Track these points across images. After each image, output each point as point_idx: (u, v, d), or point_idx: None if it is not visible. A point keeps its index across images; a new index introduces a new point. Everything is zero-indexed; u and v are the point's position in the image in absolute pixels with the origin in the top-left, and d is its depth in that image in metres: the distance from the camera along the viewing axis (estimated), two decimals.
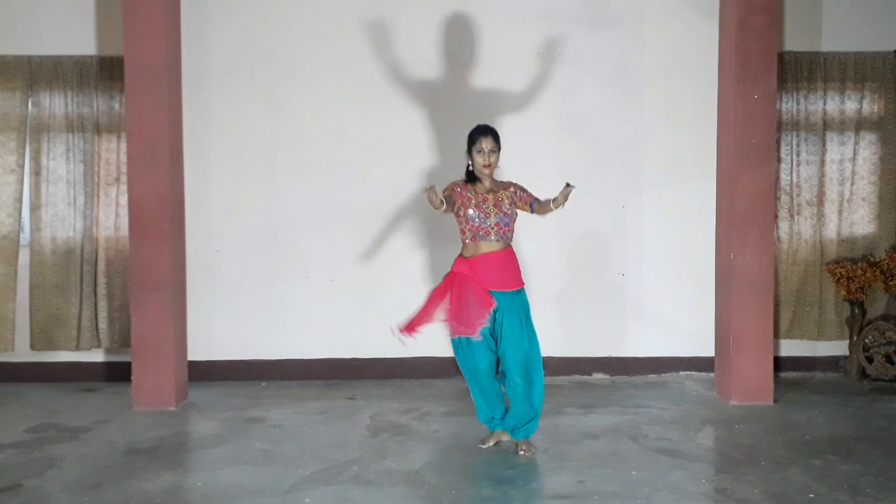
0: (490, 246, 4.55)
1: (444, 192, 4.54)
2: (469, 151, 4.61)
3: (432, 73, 6.28)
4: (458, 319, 4.48)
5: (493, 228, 4.54)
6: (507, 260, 4.58)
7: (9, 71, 6.18)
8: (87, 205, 6.22)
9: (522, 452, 4.57)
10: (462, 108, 6.23)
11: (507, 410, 4.74)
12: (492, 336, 4.58)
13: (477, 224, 4.53)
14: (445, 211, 4.41)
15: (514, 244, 6.23)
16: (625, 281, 6.41)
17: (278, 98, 6.28)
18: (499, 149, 4.60)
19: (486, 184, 4.61)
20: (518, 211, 4.65)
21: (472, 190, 4.59)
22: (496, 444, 4.74)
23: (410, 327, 4.60)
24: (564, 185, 4.45)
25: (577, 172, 6.35)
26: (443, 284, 4.62)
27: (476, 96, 6.26)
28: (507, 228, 4.57)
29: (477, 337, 4.47)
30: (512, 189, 4.62)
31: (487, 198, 4.56)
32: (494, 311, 4.51)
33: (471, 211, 4.53)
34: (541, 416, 4.70)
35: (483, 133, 4.57)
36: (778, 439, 4.87)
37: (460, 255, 4.65)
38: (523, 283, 4.66)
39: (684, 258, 6.39)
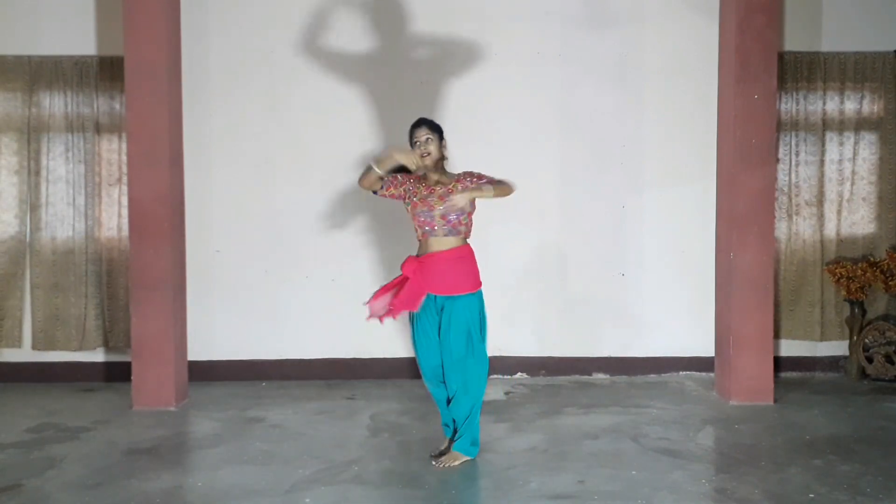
0: (440, 243, 4.35)
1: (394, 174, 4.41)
2: (410, 142, 4.45)
3: (432, 72, 6.28)
4: (397, 300, 4.36)
5: (438, 222, 4.32)
6: (459, 260, 4.36)
7: (9, 71, 6.18)
8: (89, 205, 6.23)
9: (436, 463, 4.42)
10: (462, 107, 6.24)
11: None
12: (438, 341, 4.42)
13: (423, 219, 4.35)
14: (373, 178, 4.33)
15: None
16: (625, 281, 6.41)
17: (278, 98, 6.28)
18: (437, 138, 4.40)
19: (434, 176, 4.42)
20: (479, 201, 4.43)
21: (420, 183, 4.42)
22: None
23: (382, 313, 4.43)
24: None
25: (577, 172, 6.37)
26: (398, 280, 4.46)
27: (477, 96, 6.26)
28: (456, 222, 4.34)
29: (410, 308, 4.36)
30: (467, 180, 4.37)
31: (434, 189, 4.37)
32: (441, 312, 4.36)
33: (418, 207, 4.35)
34: (476, 440, 4.46)
35: (416, 125, 4.43)
36: (778, 439, 4.87)
37: (416, 253, 4.50)
38: (477, 287, 4.41)
39: (684, 258, 6.39)
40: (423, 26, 6.28)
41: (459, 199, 4.26)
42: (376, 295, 4.45)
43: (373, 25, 6.28)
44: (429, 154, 4.37)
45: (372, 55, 6.28)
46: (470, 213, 4.42)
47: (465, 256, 4.40)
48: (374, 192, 4.45)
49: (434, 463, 4.43)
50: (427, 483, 4.19)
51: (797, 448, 4.69)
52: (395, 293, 4.41)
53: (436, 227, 4.35)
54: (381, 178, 4.37)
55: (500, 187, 4.35)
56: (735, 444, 4.82)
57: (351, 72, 6.28)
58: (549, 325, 6.41)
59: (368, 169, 4.38)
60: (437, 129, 4.45)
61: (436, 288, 4.35)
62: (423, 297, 4.37)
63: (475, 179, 4.39)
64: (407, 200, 4.42)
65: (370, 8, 6.28)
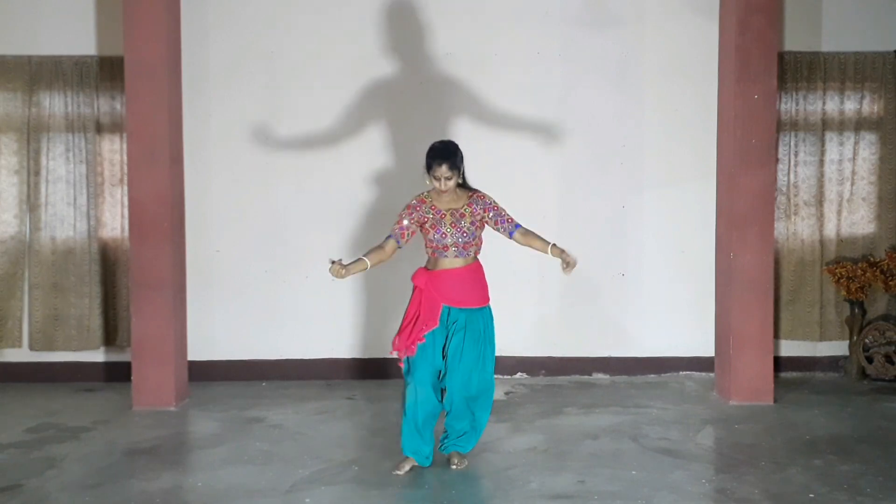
0: (451, 262, 4.34)
1: (401, 221, 4.37)
2: (427, 170, 4.36)
3: (432, 73, 6.28)
4: (406, 338, 4.32)
5: (451, 246, 4.32)
6: (469, 276, 4.36)
7: (9, 71, 6.18)
8: (90, 205, 6.23)
9: (455, 466, 4.37)
10: (462, 107, 6.23)
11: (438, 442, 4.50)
12: (442, 356, 4.35)
13: (435, 243, 4.34)
14: (380, 262, 4.33)
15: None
16: (625, 281, 6.41)
17: (278, 98, 6.28)
18: (458, 171, 4.33)
19: (446, 199, 4.38)
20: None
21: (430, 207, 4.38)
22: (412, 468, 4.36)
23: (406, 345, 4.33)
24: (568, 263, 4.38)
25: (577, 172, 6.37)
26: (412, 302, 4.41)
27: (477, 97, 6.26)
28: (467, 245, 4.34)
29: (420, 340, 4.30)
30: (480, 206, 4.38)
31: (445, 215, 4.34)
32: (451, 326, 4.32)
33: (429, 232, 4.35)
34: (478, 439, 4.49)
35: (438, 160, 4.31)
36: (778, 439, 4.87)
37: (424, 266, 4.45)
38: (487, 301, 4.43)
39: (684, 258, 6.39)
40: (423, 27, 6.27)
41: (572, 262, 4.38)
42: (402, 332, 4.36)
43: (372, 26, 6.27)
44: (447, 190, 4.33)
45: (371, 55, 6.27)
46: (480, 235, 4.43)
47: (477, 272, 4.42)
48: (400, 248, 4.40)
49: (454, 465, 4.38)
50: (427, 483, 4.19)
51: (797, 448, 4.69)
52: (415, 322, 4.34)
53: (449, 251, 4.34)
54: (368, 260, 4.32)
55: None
56: (735, 444, 4.82)
57: (351, 72, 6.28)
58: (549, 325, 6.41)
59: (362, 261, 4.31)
60: (457, 165, 4.34)
61: (453, 300, 4.34)
62: (440, 310, 4.32)
63: (487, 209, 4.38)
64: (420, 227, 4.40)
65: (369, 9, 6.27)
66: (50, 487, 4.15)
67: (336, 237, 6.31)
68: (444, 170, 4.30)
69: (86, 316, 6.23)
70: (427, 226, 4.36)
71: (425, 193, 4.45)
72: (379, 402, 5.72)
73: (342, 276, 4.20)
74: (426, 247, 4.43)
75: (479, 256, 4.46)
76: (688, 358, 6.43)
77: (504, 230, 4.41)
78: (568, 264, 4.37)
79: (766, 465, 4.42)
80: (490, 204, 4.42)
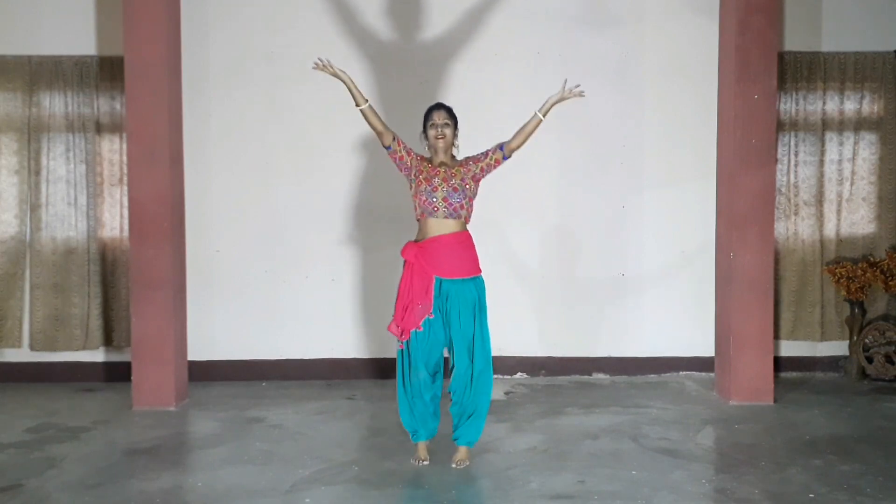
0: (440, 226, 4.35)
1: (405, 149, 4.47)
2: (424, 130, 4.51)
3: (433, 72, 6.28)
4: (400, 321, 4.35)
5: (440, 204, 4.34)
6: (459, 245, 4.37)
7: (9, 71, 6.18)
8: (91, 205, 6.23)
9: (455, 465, 4.37)
10: (463, 107, 6.21)
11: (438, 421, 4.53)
12: (443, 327, 4.37)
13: (424, 198, 4.36)
14: (370, 118, 4.46)
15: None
16: (625, 281, 6.41)
17: (278, 98, 6.28)
18: (453, 125, 4.49)
19: (440, 158, 4.46)
20: (493, 171, 4.48)
21: (426, 163, 4.46)
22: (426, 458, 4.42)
23: (402, 327, 4.38)
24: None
25: (577, 172, 6.38)
26: (402, 279, 4.41)
27: (477, 96, 6.26)
28: (457, 205, 4.35)
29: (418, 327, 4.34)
30: (471, 163, 4.45)
31: (438, 170, 4.41)
32: (445, 300, 4.33)
33: (422, 185, 4.38)
34: (484, 423, 4.46)
35: (435, 108, 4.52)
36: (778, 439, 4.87)
37: (414, 239, 4.47)
38: (479, 271, 4.43)
39: (684, 258, 6.39)
40: (424, 27, 6.28)
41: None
42: (397, 315, 4.38)
43: (373, 26, 6.28)
44: (443, 137, 4.44)
45: (372, 55, 6.28)
46: (472, 199, 4.44)
47: (467, 241, 4.43)
48: (387, 148, 4.46)
49: (455, 465, 4.38)
50: (427, 483, 4.19)
51: (797, 448, 4.69)
52: (409, 301, 4.35)
53: (437, 209, 4.35)
54: (366, 108, 4.49)
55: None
56: (735, 444, 4.82)
57: (350, 72, 6.27)
58: (549, 325, 6.41)
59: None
60: (453, 116, 4.53)
61: (443, 271, 4.33)
62: (433, 284, 4.33)
63: (478, 157, 4.47)
64: (413, 177, 4.43)
65: (370, 10, 6.28)
66: (50, 487, 4.15)
67: (336, 237, 6.32)
68: (442, 113, 4.48)
69: (86, 316, 6.23)
70: (421, 178, 4.39)
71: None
72: (379, 402, 5.72)
73: (330, 70, 4.57)
74: (416, 209, 4.42)
75: (468, 227, 4.45)
76: (688, 358, 6.43)
77: (495, 153, 4.45)
78: (569, 93, 4.57)
79: (766, 465, 4.41)
80: (479, 153, 4.50)
